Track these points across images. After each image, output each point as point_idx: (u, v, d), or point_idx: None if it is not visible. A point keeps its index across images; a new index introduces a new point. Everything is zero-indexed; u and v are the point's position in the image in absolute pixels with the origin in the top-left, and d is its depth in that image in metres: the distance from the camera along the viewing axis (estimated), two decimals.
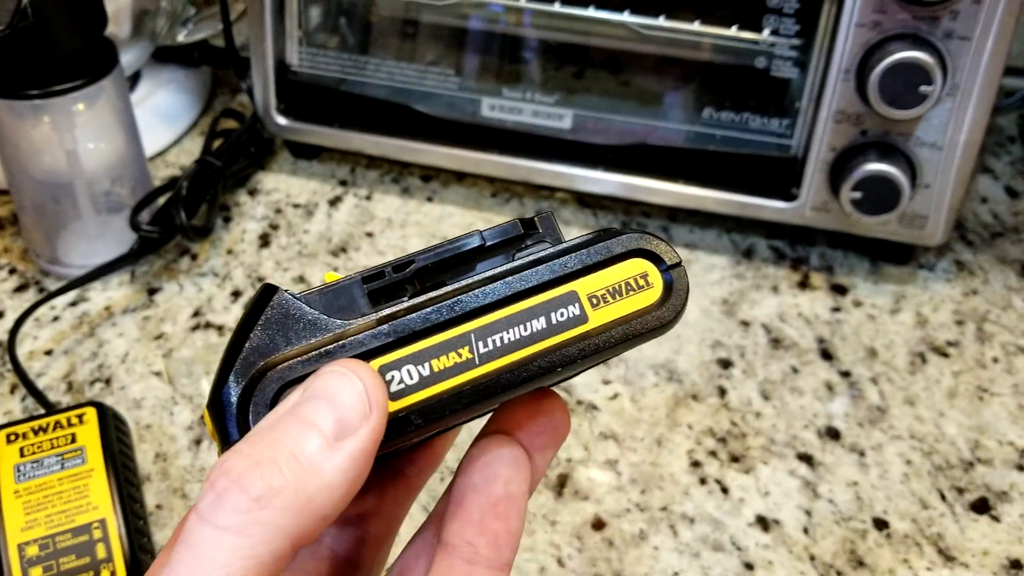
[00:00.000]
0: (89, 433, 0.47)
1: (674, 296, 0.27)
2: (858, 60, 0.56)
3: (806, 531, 0.50)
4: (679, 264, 0.28)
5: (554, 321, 0.26)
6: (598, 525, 0.50)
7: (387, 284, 0.26)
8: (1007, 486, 0.52)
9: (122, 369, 0.57)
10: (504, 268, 0.27)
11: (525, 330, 0.26)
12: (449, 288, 0.26)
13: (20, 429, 0.47)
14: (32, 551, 0.43)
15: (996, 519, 0.50)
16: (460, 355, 0.25)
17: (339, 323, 0.25)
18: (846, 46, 0.55)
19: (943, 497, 0.51)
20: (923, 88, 0.54)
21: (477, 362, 0.26)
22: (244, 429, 0.24)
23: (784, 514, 0.50)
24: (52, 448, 0.46)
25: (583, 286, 0.27)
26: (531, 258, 0.27)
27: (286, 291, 0.25)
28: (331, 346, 0.25)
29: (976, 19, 0.53)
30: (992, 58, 0.54)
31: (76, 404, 0.49)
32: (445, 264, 0.27)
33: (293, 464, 0.22)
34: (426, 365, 0.25)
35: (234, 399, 0.24)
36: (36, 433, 0.47)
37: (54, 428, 0.47)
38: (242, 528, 0.22)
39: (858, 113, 0.57)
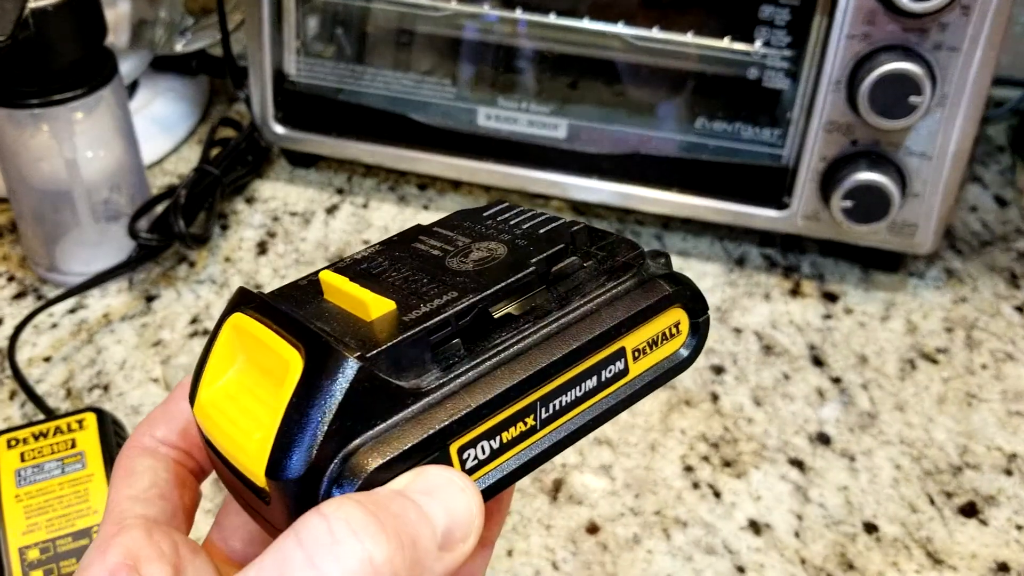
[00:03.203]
0: (89, 438, 0.48)
1: (699, 342, 0.28)
2: (848, 71, 0.56)
3: (797, 535, 0.50)
4: (707, 313, 0.28)
5: (603, 378, 0.27)
6: (592, 529, 0.50)
7: (448, 333, 0.25)
8: (995, 490, 0.53)
9: (120, 376, 0.58)
10: (561, 324, 0.26)
11: (580, 391, 0.26)
12: (513, 350, 0.25)
13: (21, 434, 0.48)
14: (33, 555, 0.44)
15: (984, 523, 0.51)
16: (525, 424, 0.25)
17: (415, 394, 0.24)
18: (837, 57, 0.56)
19: (932, 501, 0.52)
20: (912, 99, 0.55)
21: (538, 427, 0.26)
22: None
23: (775, 518, 0.51)
24: (53, 453, 0.47)
25: (630, 341, 0.27)
26: (582, 310, 0.26)
27: (359, 358, 0.23)
28: (422, 438, 0.23)
29: (964, 31, 0.54)
30: (980, 69, 0.55)
31: (76, 410, 0.50)
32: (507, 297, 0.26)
33: (411, 552, 0.21)
34: (496, 439, 0.25)
35: (323, 486, 0.23)
36: (37, 438, 0.48)
37: (55, 433, 0.48)
38: None
39: (849, 123, 0.58)
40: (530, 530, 0.50)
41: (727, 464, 0.54)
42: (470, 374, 0.24)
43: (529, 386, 0.25)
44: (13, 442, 0.47)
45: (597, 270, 0.27)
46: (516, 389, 0.25)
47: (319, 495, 0.23)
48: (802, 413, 0.56)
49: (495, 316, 0.26)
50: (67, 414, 0.49)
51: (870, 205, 0.58)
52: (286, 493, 0.23)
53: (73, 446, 0.47)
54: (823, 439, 0.55)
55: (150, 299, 0.62)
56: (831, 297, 0.63)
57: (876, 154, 0.58)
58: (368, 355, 0.23)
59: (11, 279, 0.64)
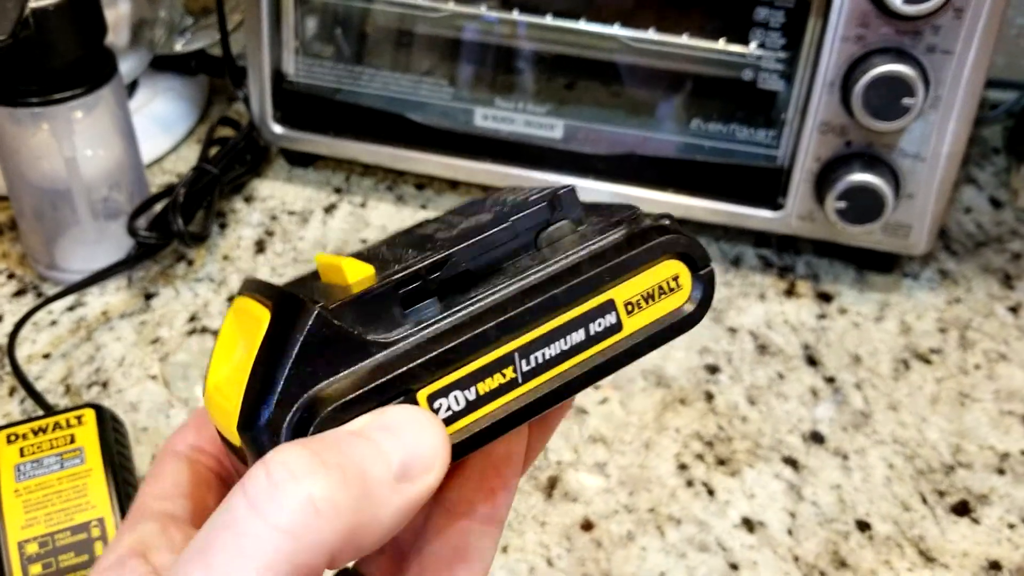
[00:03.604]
0: (88, 434, 0.48)
1: (703, 299, 0.27)
2: (843, 73, 0.57)
3: (790, 532, 0.51)
4: (710, 266, 0.27)
5: (592, 332, 0.25)
6: (587, 526, 0.51)
7: (420, 287, 0.25)
8: (987, 489, 0.53)
9: (119, 373, 0.58)
10: (542, 275, 0.25)
11: (565, 344, 0.25)
12: (487, 301, 0.24)
13: (20, 430, 0.48)
14: (32, 548, 0.44)
15: (976, 521, 0.51)
16: (504, 375, 0.24)
17: (380, 344, 0.23)
18: (831, 59, 0.57)
19: (924, 500, 0.52)
20: (906, 101, 0.55)
21: (520, 381, 0.25)
22: None
23: (769, 516, 0.51)
24: (51, 448, 0.47)
25: (620, 293, 0.26)
26: (567, 262, 0.25)
27: (320, 307, 0.23)
28: (383, 380, 0.23)
29: (957, 34, 0.55)
30: (973, 71, 0.56)
31: (75, 406, 0.50)
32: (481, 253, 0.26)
33: (359, 484, 0.21)
34: (472, 390, 0.24)
35: (282, 435, 0.23)
36: (36, 434, 0.48)
37: (53, 429, 0.48)
38: (292, 530, 0.20)
39: (843, 125, 0.58)
40: (525, 527, 0.51)
41: (721, 462, 0.54)
42: (439, 324, 0.24)
43: (500, 333, 0.24)
44: (12, 437, 0.48)
45: (589, 232, 0.27)
46: (484, 336, 0.24)
47: (280, 444, 0.22)
48: (796, 412, 0.57)
49: (473, 271, 0.25)
50: (66, 410, 0.49)
51: (864, 206, 0.58)
52: (251, 444, 0.23)
53: (72, 441, 0.48)
54: (817, 438, 0.55)
55: (149, 297, 0.63)
56: (825, 297, 0.64)
57: (870, 155, 0.59)
58: (331, 306, 0.23)
59: (11, 276, 0.64)
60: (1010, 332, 0.62)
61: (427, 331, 0.24)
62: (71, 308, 0.62)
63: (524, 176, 0.65)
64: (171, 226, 0.62)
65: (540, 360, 0.25)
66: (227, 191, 0.69)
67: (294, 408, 0.23)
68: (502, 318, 0.24)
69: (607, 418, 0.56)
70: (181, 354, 0.59)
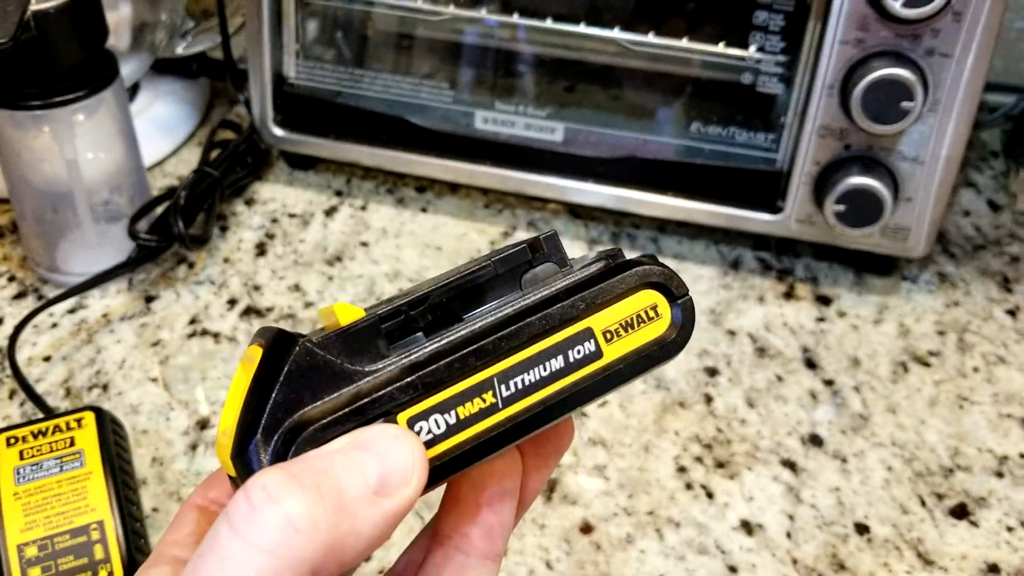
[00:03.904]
0: (88, 437, 0.48)
1: (683, 326, 0.28)
2: (842, 76, 0.57)
3: (789, 535, 0.51)
4: (687, 294, 0.28)
5: (571, 359, 0.27)
6: (586, 529, 0.51)
7: (403, 322, 0.26)
8: (986, 492, 0.53)
9: (119, 375, 0.58)
10: (520, 306, 0.26)
11: (544, 370, 0.26)
12: (467, 330, 0.26)
13: (20, 433, 0.48)
14: (31, 552, 0.44)
15: (975, 524, 0.52)
16: (484, 400, 0.26)
17: (363, 373, 0.25)
18: (830, 63, 0.57)
19: (923, 503, 0.52)
20: (905, 104, 0.55)
21: (500, 406, 0.26)
22: None
23: (768, 519, 0.51)
24: (51, 451, 0.47)
25: (598, 322, 0.27)
26: (545, 294, 0.27)
27: (306, 339, 0.25)
28: (362, 402, 0.24)
29: (956, 37, 0.55)
30: (972, 75, 0.56)
31: (75, 408, 0.50)
32: (461, 296, 0.27)
33: (335, 499, 0.22)
34: (452, 413, 0.25)
35: (265, 458, 0.24)
36: (36, 437, 0.48)
37: (53, 432, 0.48)
38: (273, 549, 0.21)
39: (842, 128, 0.58)
40: (524, 529, 0.51)
41: (720, 465, 0.54)
42: (419, 352, 0.25)
43: (479, 358, 0.25)
44: (12, 440, 0.48)
45: (570, 271, 0.28)
46: (463, 360, 0.25)
47: (265, 467, 0.23)
48: (795, 415, 0.57)
49: (460, 311, 0.27)
50: (66, 413, 0.50)
51: (863, 209, 0.58)
52: (240, 470, 0.24)
53: (72, 444, 0.48)
54: (815, 441, 0.55)
55: (149, 299, 0.63)
56: (824, 300, 0.64)
57: (869, 159, 0.59)
58: (315, 339, 0.25)
59: (12, 279, 0.64)
60: (1008, 335, 0.62)
61: (408, 358, 0.25)
62: (72, 311, 0.62)
63: (524, 179, 0.65)
64: (172, 229, 0.62)
65: (520, 386, 0.26)
66: (228, 194, 0.69)
67: (278, 433, 0.24)
68: (481, 344, 0.26)
69: (606, 421, 0.56)
70: (181, 357, 0.59)
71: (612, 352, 0.27)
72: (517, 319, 0.26)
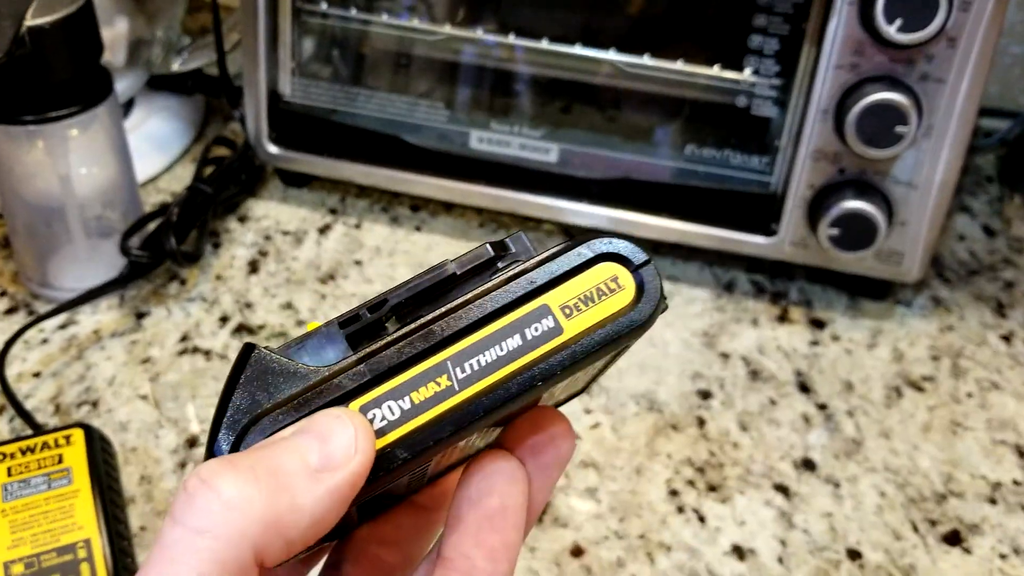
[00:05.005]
0: (76, 454, 0.48)
1: (647, 295, 0.27)
2: (836, 101, 0.57)
3: (781, 560, 0.51)
4: (648, 262, 0.27)
5: (529, 337, 0.26)
6: (577, 552, 0.51)
7: (365, 325, 0.27)
8: (979, 519, 0.53)
9: (109, 392, 0.58)
10: (474, 292, 0.26)
11: (501, 350, 0.26)
12: (422, 320, 0.26)
13: (8, 449, 0.48)
14: (17, 569, 0.44)
15: (967, 551, 0.51)
16: (439, 384, 0.26)
17: (317, 370, 0.25)
18: (824, 87, 0.57)
19: (916, 529, 0.52)
20: (899, 129, 0.55)
21: (457, 388, 0.26)
22: None
23: (759, 543, 0.51)
24: (39, 468, 0.47)
25: (553, 298, 0.27)
26: (500, 278, 0.27)
27: (264, 348, 0.26)
28: (311, 393, 0.25)
29: (951, 63, 0.55)
30: (966, 100, 0.56)
31: (64, 425, 0.50)
32: (421, 298, 0.27)
33: (269, 478, 0.23)
34: (406, 399, 0.25)
35: (225, 452, 0.25)
36: (24, 453, 0.48)
37: (42, 449, 0.48)
38: (210, 529, 0.22)
39: (836, 152, 0.58)
40: None
41: (712, 489, 0.54)
42: (375, 346, 0.26)
43: (429, 343, 0.26)
44: (0, 456, 0.47)
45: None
46: (410, 346, 0.26)
47: None
48: (788, 439, 0.56)
49: (425, 314, 0.27)
50: (55, 429, 0.49)
51: (856, 233, 0.58)
52: None
53: (60, 461, 0.48)
54: (808, 465, 0.55)
55: (140, 316, 0.63)
56: (818, 324, 0.64)
57: (863, 183, 0.59)
58: (274, 346, 0.26)
59: (3, 294, 0.64)
60: (1003, 361, 0.62)
61: (358, 353, 0.26)
62: (62, 326, 0.62)
63: (519, 199, 0.65)
64: (164, 245, 0.61)
65: (476, 367, 0.26)
66: (221, 211, 0.69)
67: (236, 432, 0.25)
68: (429, 328, 0.26)
69: (598, 443, 0.56)
70: (172, 374, 0.59)
71: (573, 327, 0.26)
72: (469, 302, 0.26)
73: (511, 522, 0.27)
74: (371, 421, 0.25)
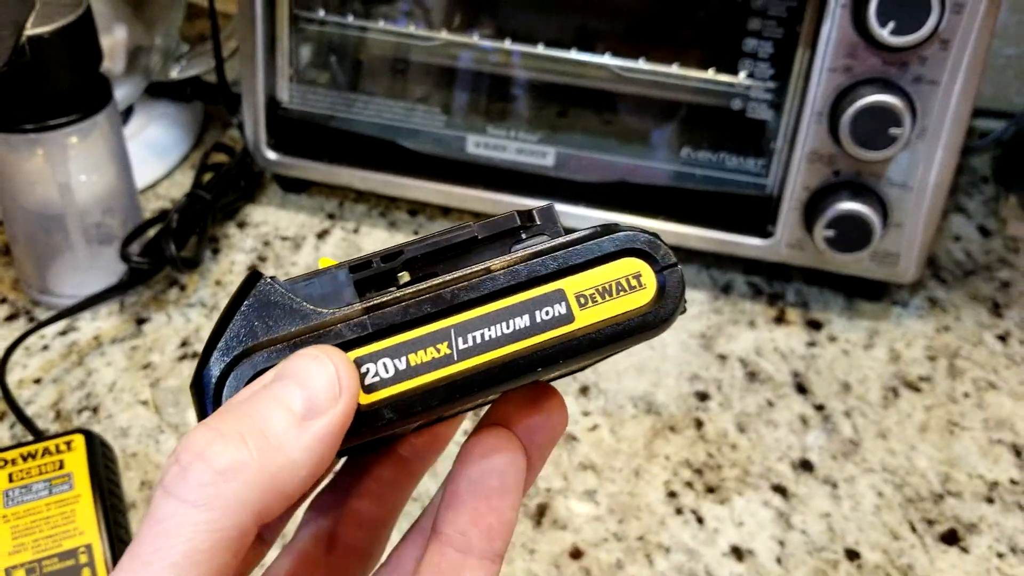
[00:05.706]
0: (77, 460, 0.48)
1: (667, 298, 0.26)
2: (830, 103, 0.57)
3: (779, 561, 0.51)
4: (675, 265, 0.26)
5: (538, 320, 0.25)
6: (576, 554, 0.51)
7: (375, 274, 0.26)
8: (976, 518, 0.53)
9: (110, 398, 0.58)
10: (492, 263, 0.26)
11: (507, 327, 0.25)
12: (435, 281, 0.25)
13: (9, 455, 0.48)
14: (19, 575, 0.44)
15: (965, 550, 0.52)
16: (438, 350, 0.25)
17: (320, 312, 0.25)
18: (819, 90, 0.57)
19: (913, 528, 0.52)
20: (893, 131, 0.56)
21: (455, 358, 0.25)
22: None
23: (758, 544, 0.51)
24: (40, 474, 0.47)
25: (571, 284, 0.26)
26: (521, 253, 0.26)
27: (271, 278, 0.25)
28: (309, 335, 0.25)
29: (944, 65, 0.55)
30: (960, 102, 0.56)
31: (65, 431, 0.50)
32: (437, 256, 0.26)
33: (260, 439, 0.23)
34: (403, 359, 0.25)
35: (213, 379, 0.24)
36: (25, 459, 0.48)
37: (43, 455, 0.48)
38: (206, 501, 0.22)
39: (831, 154, 0.59)
40: (513, 554, 0.51)
41: (710, 490, 0.54)
42: (382, 299, 0.25)
43: (436, 307, 0.25)
44: (2, 463, 0.48)
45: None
46: (419, 308, 0.25)
47: (208, 395, 0.24)
48: (785, 440, 0.57)
49: (440, 273, 0.26)
50: (56, 435, 0.50)
51: (852, 235, 0.59)
52: (194, 397, 0.25)
53: (61, 467, 0.48)
54: (806, 466, 0.55)
55: (140, 322, 0.63)
56: (815, 325, 0.64)
57: (858, 184, 0.59)
58: (281, 279, 0.25)
59: (3, 301, 0.64)
60: (999, 360, 0.62)
61: (365, 303, 0.25)
62: (63, 333, 0.62)
63: (516, 203, 0.66)
64: (164, 251, 0.62)
65: (478, 340, 0.25)
66: (220, 217, 0.69)
67: (228, 360, 0.24)
68: (439, 292, 0.25)
69: (597, 445, 0.56)
70: (172, 379, 0.59)
71: (585, 318, 0.26)
72: (483, 273, 0.25)
73: (509, 502, 0.27)
74: (364, 375, 0.25)
